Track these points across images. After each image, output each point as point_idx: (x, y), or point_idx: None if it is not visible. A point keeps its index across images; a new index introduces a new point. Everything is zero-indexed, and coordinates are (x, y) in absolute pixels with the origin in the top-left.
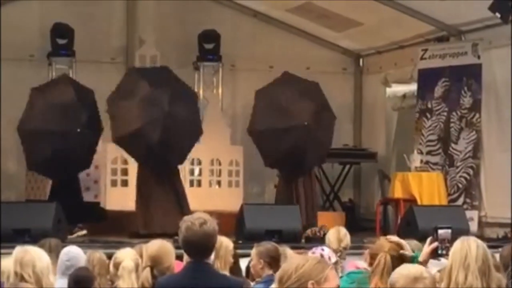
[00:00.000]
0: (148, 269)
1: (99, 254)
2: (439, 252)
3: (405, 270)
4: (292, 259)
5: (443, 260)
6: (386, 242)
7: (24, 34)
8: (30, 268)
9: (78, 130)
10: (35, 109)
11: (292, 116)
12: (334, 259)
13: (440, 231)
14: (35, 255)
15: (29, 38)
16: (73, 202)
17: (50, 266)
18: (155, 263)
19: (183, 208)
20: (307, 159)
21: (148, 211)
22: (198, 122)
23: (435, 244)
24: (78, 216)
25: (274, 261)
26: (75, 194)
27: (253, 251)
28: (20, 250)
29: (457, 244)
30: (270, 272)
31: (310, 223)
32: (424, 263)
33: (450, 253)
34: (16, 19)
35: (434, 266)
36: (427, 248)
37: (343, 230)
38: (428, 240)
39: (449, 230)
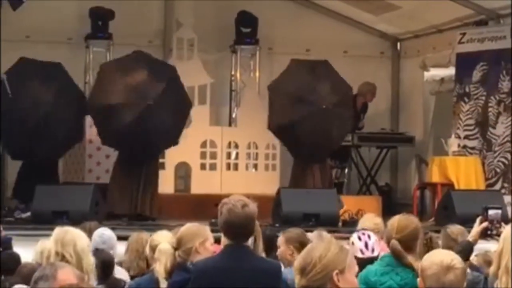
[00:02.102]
0: (171, 250)
1: (145, 235)
2: (489, 232)
3: (438, 257)
4: (313, 248)
5: (484, 244)
6: (392, 224)
7: (63, 17)
8: (71, 247)
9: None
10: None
11: (308, 102)
12: (377, 251)
13: (490, 212)
14: (75, 234)
15: (67, 21)
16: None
17: (90, 246)
18: (179, 245)
19: (147, 193)
20: (333, 138)
21: (115, 191)
22: (183, 96)
23: (485, 224)
24: None
25: (303, 246)
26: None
27: (280, 239)
28: (60, 230)
29: (510, 229)
30: None
31: None
32: (474, 242)
33: (502, 237)
34: (56, 2)
35: (474, 251)
36: (477, 227)
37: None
38: (478, 219)
39: (499, 211)
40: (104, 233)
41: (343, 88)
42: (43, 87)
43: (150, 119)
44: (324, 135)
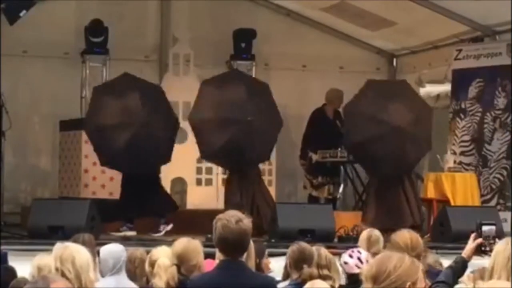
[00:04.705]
0: (174, 267)
1: (140, 252)
2: (483, 249)
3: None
4: (387, 257)
5: (479, 261)
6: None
7: (60, 32)
8: (70, 263)
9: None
10: (100, 107)
11: (380, 121)
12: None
13: (484, 228)
14: (74, 250)
15: (64, 36)
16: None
17: (91, 262)
18: (181, 261)
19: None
20: (408, 156)
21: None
22: (276, 114)
23: (480, 240)
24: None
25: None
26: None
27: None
28: (60, 246)
29: (501, 245)
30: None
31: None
32: (468, 259)
33: (493, 253)
34: (53, 17)
35: (469, 267)
36: (471, 244)
37: (376, 234)
38: (472, 236)
39: (493, 227)
40: (113, 249)
41: (420, 107)
42: (140, 104)
43: (249, 133)
44: (396, 154)
